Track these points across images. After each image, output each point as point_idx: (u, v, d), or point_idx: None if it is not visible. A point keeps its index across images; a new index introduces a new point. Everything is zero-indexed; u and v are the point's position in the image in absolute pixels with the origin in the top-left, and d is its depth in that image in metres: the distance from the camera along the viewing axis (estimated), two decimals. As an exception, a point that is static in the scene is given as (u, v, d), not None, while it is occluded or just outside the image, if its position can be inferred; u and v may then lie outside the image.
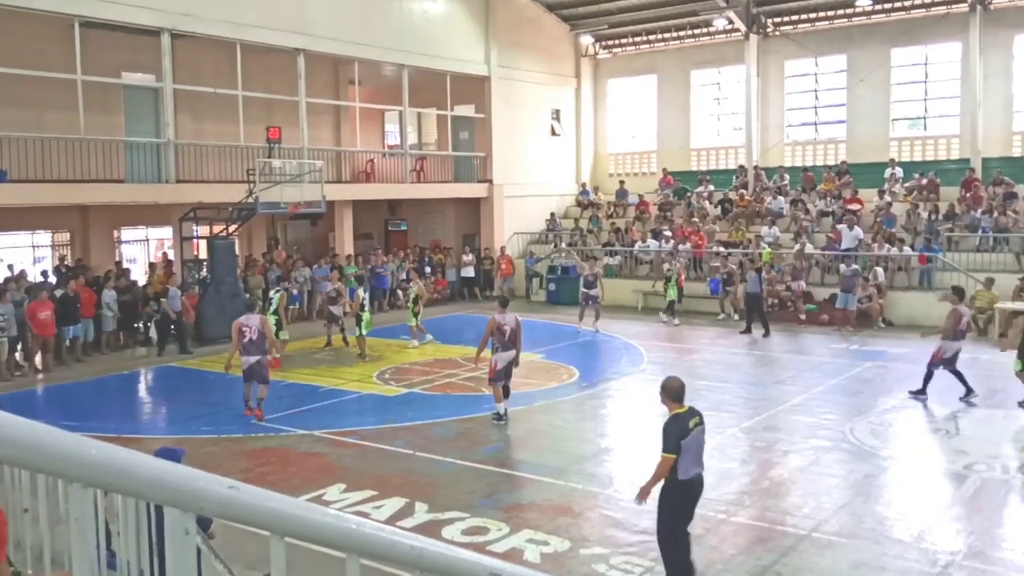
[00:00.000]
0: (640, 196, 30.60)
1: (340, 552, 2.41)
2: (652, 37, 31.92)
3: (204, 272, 21.69)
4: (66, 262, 21.90)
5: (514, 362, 13.33)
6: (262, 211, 21.02)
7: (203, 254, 22.44)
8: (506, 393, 13.42)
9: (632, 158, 33.62)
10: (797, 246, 24.19)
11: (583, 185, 32.76)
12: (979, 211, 23.81)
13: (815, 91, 29.81)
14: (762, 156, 29.84)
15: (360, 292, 19.09)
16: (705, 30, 30.89)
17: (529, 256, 28.55)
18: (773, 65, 29.76)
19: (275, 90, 23.71)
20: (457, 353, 18.92)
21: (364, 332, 18.68)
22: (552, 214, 30.85)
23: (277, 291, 19.44)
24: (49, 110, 19.90)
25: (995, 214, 23.38)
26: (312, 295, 24.29)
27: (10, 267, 20.20)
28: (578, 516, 9.41)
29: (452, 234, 30.39)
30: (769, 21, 29.48)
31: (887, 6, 27.46)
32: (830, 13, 28.45)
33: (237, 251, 22.76)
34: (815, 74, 29.62)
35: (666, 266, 23.32)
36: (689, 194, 29.62)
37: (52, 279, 20.23)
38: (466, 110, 29.08)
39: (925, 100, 28.07)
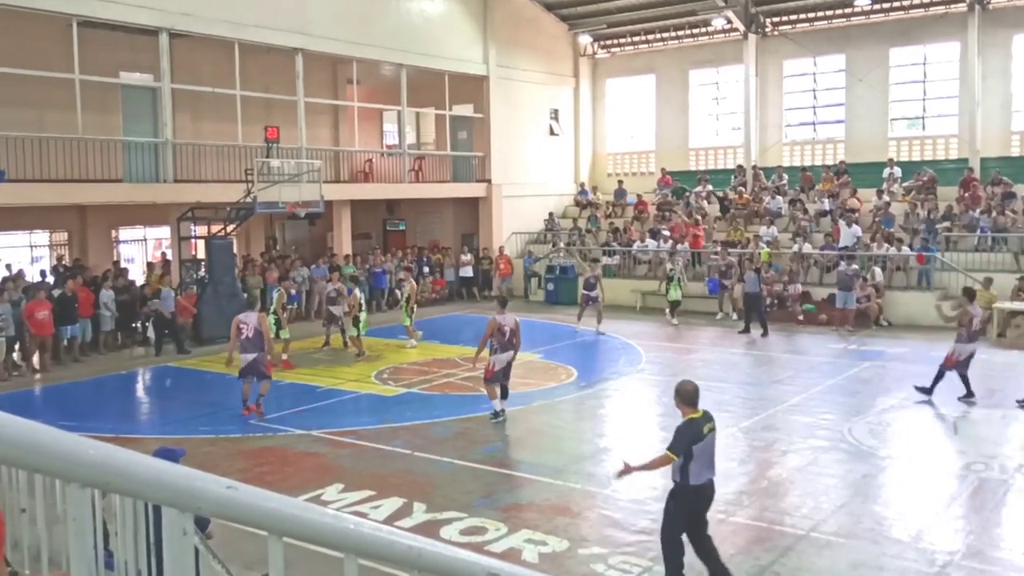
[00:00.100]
0: (638, 196, 30.60)
1: (338, 552, 2.41)
2: (651, 37, 31.93)
3: (202, 272, 21.67)
4: (64, 262, 21.87)
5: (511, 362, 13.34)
6: (260, 211, 21.01)
7: (201, 254, 22.43)
8: (504, 393, 13.41)
9: (630, 158, 33.62)
10: (795, 247, 24.21)
11: (581, 185, 32.76)
12: (978, 211, 23.82)
13: (814, 91, 29.84)
14: (760, 156, 29.85)
15: (357, 292, 19.08)
16: (703, 30, 30.89)
17: (528, 256, 28.55)
18: (772, 65, 29.77)
19: (273, 90, 23.69)
20: (455, 353, 18.91)
21: (362, 332, 18.70)
22: (551, 214, 30.85)
23: (276, 289, 19.44)
24: (47, 110, 19.89)
25: (994, 214, 23.40)
26: (310, 295, 24.28)
27: (8, 267, 20.17)
28: (576, 516, 9.41)
29: (450, 234, 30.39)
30: (768, 21, 29.49)
31: (885, 6, 27.48)
32: (829, 13, 28.46)
33: (235, 251, 22.76)
34: (814, 74, 29.64)
35: (668, 266, 23.30)
36: (687, 194, 29.62)
37: (50, 279, 20.22)
38: (464, 110, 29.08)
39: (924, 100, 28.09)
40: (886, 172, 26.83)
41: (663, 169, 31.16)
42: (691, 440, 7.11)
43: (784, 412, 13.67)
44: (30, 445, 1.93)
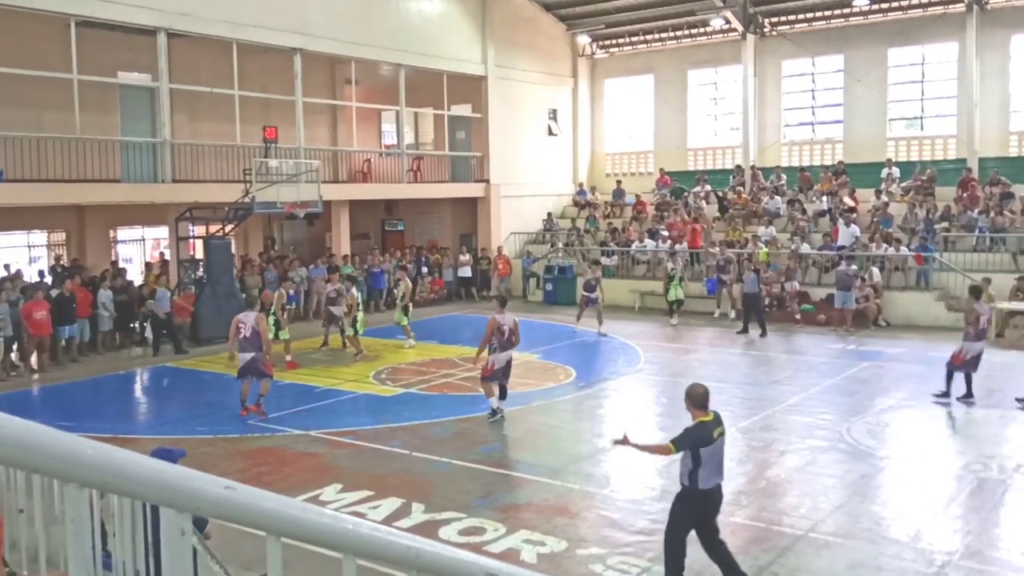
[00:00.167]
0: (637, 196, 30.61)
1: (336, 552, 2.41)
2: (649, 37, 31.94)
3: (200, 272, 21.65)
4: (62, 262, 21.85)
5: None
6: (258, 211, 21.00)
7: (199, 254, 22.41)
8: (503, 394, 13.41)
9: (629, 158, 33.63)
10: (793, 246, 24.24)
11: (580, 185, 32.77)
12: (976, 211, 23.83)
13: (812, 91, 29.86)
14: (759, 156, 29.86)
15: (354, 291, 19.08)
16: (702, 30, 30.91)
17: (526, 256, 28.55)
18: (770, 65, 29.78)
19: (272, 90, 23.69)
20: (454, 353, 18.91)
21: (360, 331, 18.71)
22: (549, 214, 30.85)
23: (276, 290, 19.43)
24: (45, 110, 19.87)
25: (992, 214, 23.41)
26: (309, 295, 24.27)
27: (6, 267, 20.16)
28: (575, 516, 9.41)
29: (449, 234, 30.38)
30: (766, 21, 29.50)
31: (884, 6, 27.49)
32: (827, 13, 28.48)
33: (233, 251, 22.75)
34: (812, 74, 29.66)
35: (670, 265, 23.31)
36: (686, 194, 29.62)
37: (48, 279, 20.20)
38: (463, 110, 29.09)
39: (922, 100, 28.12)
40: (884, 172, 26.84)
41: (661, 169, 31.17)
42: (698, 441, 7.06)
43: (782, 412, 13.67)
44: (28, 445, 1.93)
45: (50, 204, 20.08)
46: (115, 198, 20.52)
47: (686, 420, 7.47)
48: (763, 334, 20.60)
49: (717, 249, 24.38)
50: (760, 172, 29.24)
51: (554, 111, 32.19)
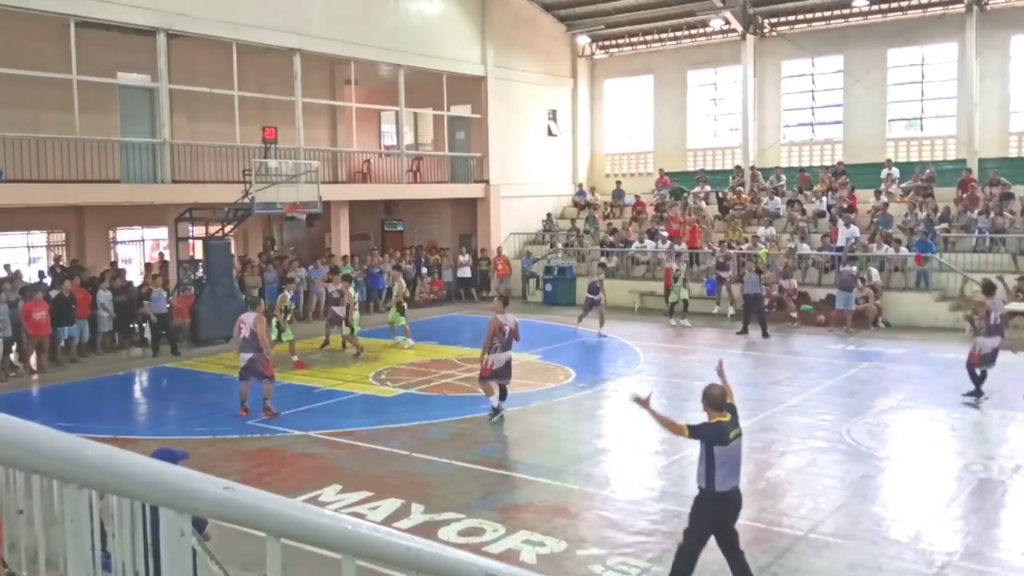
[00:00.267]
0: (636, 196, 30.61)
1: (336, 553, 2.40)
2: (649, 37, 31.94)
3: (200, 273, 21.64)
4: (61, 262, 21.85)
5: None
6: (258, 211, 20.99)
7: (199, 255, 22.40)
8: (503, 394, 13.40)
9: (629, 158, 33.63)
10: (790, 245, 24.23)
11: (580, 185, 32.77)
12: (976, 212, 23.83)
13: (812, 91, 29.86)
14: (759, 157, 29.86)
15: (351, 292, 19.06)
16: (702, 30, 30.91)
17: (526, 257, 28.55)
18: (770, 65, 29.79)
19: (271, 90, 23.69)
20: (453, 354, 18.91)
21: (356, 330, 18.71)
22: (549, 214, 30.85)
23: (277, 293, 19.47)
24: (44, 110, 19.87)
25: (991, 215, 23.41)
26: (308, 295, 24.25)
27: (6, 267, 20.14)
28: (575, 517, 9.40)
29: (448, 234, 30.38)
30: (766, 21, 29.50)
31: (884, 6, 27.50)
32: (827, 13, 28.48)
33: (233, 252, 22.74)
34: (812, 74, 29.67)
35: (674, 266, 23.32)
36: (685, 194, 29.62)
37: (47, 280, 20.19)
38: (462, 110, 29.09)
39: (922, 101, 28.12)
40: (884, 173, 26.85)
41: (661, 170, 31.18)
42: (712, 438, 6.99)
43: (782, 413, 13.67)
44: (28, 446, 1.92)
45: (49, 204, 20.08)
46: (114, 199, 20.52)
47: (686, 420, 7.46)
48: (764, 334, 20.58)
49: (717, 248, 24.38)
50: (760, 173, 29.25)
51: (554, 111, 32.19)
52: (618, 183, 31.88)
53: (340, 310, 19.15)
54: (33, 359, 18.00)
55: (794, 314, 22.29)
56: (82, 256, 22.28)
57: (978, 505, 9.71)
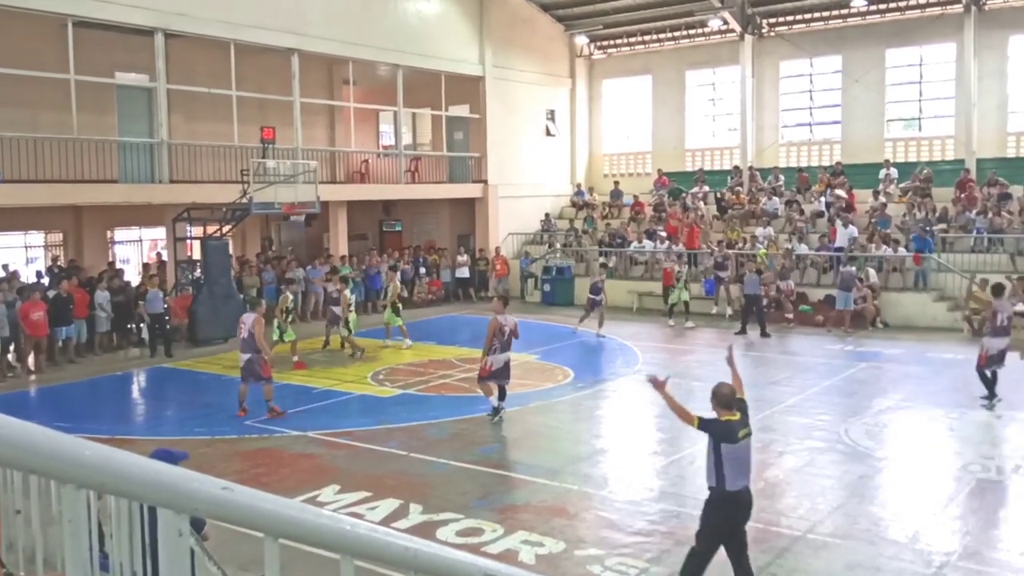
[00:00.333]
0: (635, 197, 30.62)
1: (335, 553, 2.40)
2: (647, 37, 31.94)
3: (198, 273, 21.63)
4: (59, 263, 21.84)
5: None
6: (256, 211, 20.97)
7: (197, 255, 22.39)
8: (502, 395, 13.39)
9: (627, 159, 33.63)
10: (788, 246, 24.22)
11: (578, 186, 32.77)
12: (974, 212, 23.85)
13: (810, 92, 29.87)
14: (757, 157, 29.87)
15: (347, 293, 19.03)
16: (700, 30, 30.92)
17: (524, 257, 28.54)
18: (768, 66, 29.80)
19: (269, 90, 23.67)
20: (451, 354, 18.91)
21: (353, 331, 18.72)
22: (547, 215, 30.85)
23: (274, 294, 19.47)
24: (42, 110, 19.86)
25: (990, 215, 23.42)
26: (307, 295, 24.25)
27: (4, 267, 20.14)
28: (573, 517, 9.40)
29: (447, 235, 30.37)
30: (764, 22, 29.51)
31: (882, 7, 27.52)
32: (825, 14, 28.49)
33: (231, 252, 22.73)
34: (810, 75, 29.68)
35: (676, 268, 23.32)
36: (684, 195, 29.63)
37: (45, 280, 20.17)
38: (461, 110, 29.09)
39: (920, 101, 28.12)
40: (882, 173, 26.86)
41: (659, 170, 31.18)
42: (720, 435, 6.94)
43: (781, 413, 13.67)
44: (26, 446, 1.92)
45: (47, 205, 20.06)
46: (112, 199, 20.50)
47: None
48: (764, 334, 20.57)
49: (716, 248, 24.38)
50: (758, 173, 29.25)
51: (552, 112, 32.18)
52: (616, 183, 31.88)
53: (339, 310, 19.15)
54: (31, 359, 17.99)
55: (790, 315, 22.29)
56: (80, 256, 22.26)
57: (976, 505, 9.72)
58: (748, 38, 29.35)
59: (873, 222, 24.58)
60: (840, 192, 26.24)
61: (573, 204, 32.11)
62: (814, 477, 10.65)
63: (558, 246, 28.70)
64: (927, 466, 11.19)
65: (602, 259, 26.24)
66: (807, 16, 28.92)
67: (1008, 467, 11.01)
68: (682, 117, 31.90)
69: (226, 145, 22.13)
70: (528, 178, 30.66)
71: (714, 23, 29.82)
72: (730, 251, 24.47)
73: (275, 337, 17.51)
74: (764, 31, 29.61)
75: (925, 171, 26.20)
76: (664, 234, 27.03)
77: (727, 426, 7.02)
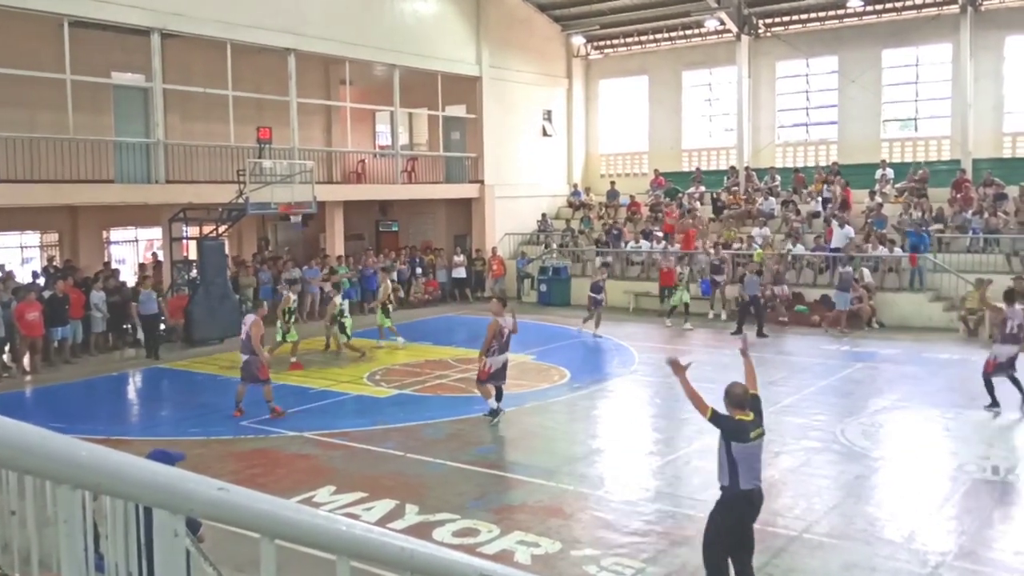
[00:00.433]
0: (631, 197, 30.63)
1: (331, 554, 2.40)
2: (644, 38, 31.96)
3: (194, 273, 21.60)
4: (55, 263, 21.81)
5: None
6: (252, 212, 20.96)
7: (193, 255, 22.36)
8: (499, 395, 13.39)
9: (623, 159, 33.64)
10: (782, 251, 24.16)
11: (574, 186, 32.77)
12: (970, 212, 23.89)
13: (806, 92, 29.91)
14: (753, 157, 29.89)
15: (337, 300, 18.98)
16: (696, 31, 30.94)
17: (521, 257, 28.54)
18: (764, 66, 29.83)
19: (265, 90, 23.66)
20: (448, 354, 18.90)
21: (350, 336, 18.73)
22: (543, 215, 30.85)
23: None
24: (38, 110, 19.83)
25: (985, 215, 23.46)
26: (303, 296, 24.20)
27: (0, 267, 20.10)
28: (569, 517, 9.40)
29: (443, 235, 30.36)
30: (760, 22, 29.54)
31: (878, 7, 27.55)
32: (821, 14, 28.53)
33: (227, 252, 22.70)
34: (806, 75, 29.71)
35: (679, 269, 23.31)
36: (680, 195, 29.65)
37: (40, 280, 20.13)
38: (457, 110, 29.08)
39: (916, 101, 28.16)
40: (878, 173, 26.90)
41: (656, 170, 31.20)
42: (731, 432, 6.90)
43: (777, 413, 13.65)
44: (21, 447, 1.92)
45: (43, 205, 20.00)
46: (108, 199, 20.47)
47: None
48: (761, 334, 20.54)
49: (712, 251, 24.38)
50: (754, 173, 29.27)
51: (548, 112, 32.19)
52: (612, 183, 31.88)
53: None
54: (26, 360, 17.95)
55: (784, 319, 22.30)
56: (75, 256, 22.22)
57: (972, 505, 9.73)
58: (744, 38, 29.38)
59: (869, 222, 24.61)
60: (836, 189, 26.28)
61: (570, 204, 32.11)
62: (810, 477, 10.66)
63: (554, 246, 28.70)
64: (923, 466, 11.20)
65: (606, 259, 26.20)
66: (803, 16, 28.95)
67: (1003, 467, 11.03)
68: (678, 117, 31.91)
69: (222, 145, 22.11)
70: (525, 178, 30.66)
71: (710, 23, 29.84)
72: (726, 252, 24.45)
73: (278, 338, 17.56)
74: (760, 31, 29.64)
75: (921, 171, 26.25)
76: (660, 234, 27.04)
77: (739, 424, 6.97)
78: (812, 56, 29.03)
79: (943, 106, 27.29)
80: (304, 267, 24.69)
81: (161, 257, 23.19)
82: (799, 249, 24.42)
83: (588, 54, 33.41)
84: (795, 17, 29.12)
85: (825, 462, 11.27)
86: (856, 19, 28.26)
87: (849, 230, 23.88)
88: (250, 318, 13.89)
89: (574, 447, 12.39)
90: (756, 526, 8.49)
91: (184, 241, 22.69)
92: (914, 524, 9.12)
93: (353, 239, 28.36)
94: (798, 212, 26.47)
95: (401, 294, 25.87)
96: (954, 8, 26.18)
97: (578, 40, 32.64)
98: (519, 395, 14.71)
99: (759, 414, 7.15)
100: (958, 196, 24.73)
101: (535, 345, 19.48)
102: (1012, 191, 24.26)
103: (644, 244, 27.12)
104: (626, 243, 27.67)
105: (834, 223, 24.31)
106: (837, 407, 14.14)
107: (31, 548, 4.67)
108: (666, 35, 31.45)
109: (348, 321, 18.86)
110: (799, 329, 21.81)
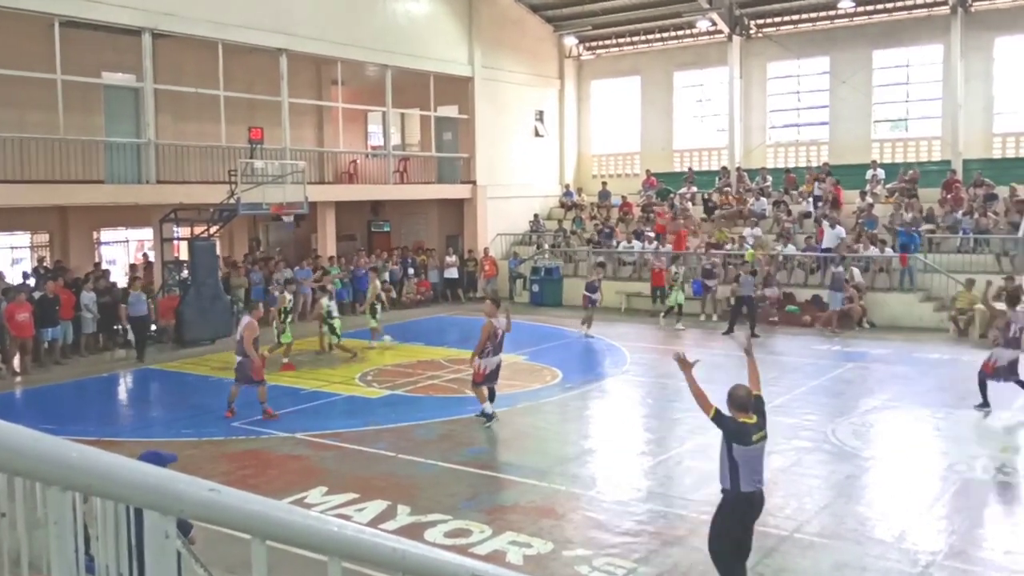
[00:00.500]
0: (623, 197, 30.67)
1: (322, 555, 2.39)
2: (635, 38, 32.01)
3: (185, 274, 21.55)
4: (45, 263, 21.72)
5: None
6: (244, 212, 20.91)
7: (184, 255, 22.31)
8: (491, 396, 13.39)
9: (615, 159, 33.68)
10: (772, 252, 24.21)
11: (566, 186, 32.80)
12: (960, 212, 23.97)
13: (797, 93, 29.98)
14: (744, 158, 29.97)
15: (324, 301, 18.96)
16: (688, 32, 30.99)
17: (513, 257, 28.55)
18: (756, 67, 29.90)
19: (257, 90, 23.62)
20: (440, 355, 18.89)
21: (340, 337, 18.74)
22: (535, 215, 30.86)
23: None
24: (29, 110, 19.75)
25: (976, 215, 23.55)
26: (295, 297, 24.14)
27: (-11, 268, 20.04)
28: (561, 518, 9.40)
29: (435, 235, 30.35)
30: (752, 23, 29.61)
31: (869, 8, 27.64)
32: (812, 15, 28.61)
33: (218, 252, 22.65)
34: (797, 76, 29.79)
35: (673, 269, 23.34)
36: (672, 195, 29.69)
37: (31, 281, 20.06)
38: (449, 111, 29.07)
39: (907, 102, 28.28)
40: (869, 174, 26.98)
41: (648, 171, 31.24)
42: (732, 434, 6.89)
43: (768, 413, 13.59)
44: (11, 448, 1.91)
45: (33, 205, 19.94)
46: (99, 199, 20.40)
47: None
48: (752, 335, 20.55)
49: (704, 255, 24.38)
50: (746, 173, 29.34)
51: (541, 112, 32.21)
52: (604, 184, 31.91)
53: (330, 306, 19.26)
54: (16, 361, 17.87)
55: (774, 319, 22.35)
56: (66, 257, 22.15)
57: (962, 504, 9.77)
58: (736, 39, 29.45)
59: (860, 222, 24.68)
60: (827, 186, 26.36)
61: (562, 205, 32.14)
62: (801, 477, 10.68)
63: (546, 247, 28.72)
64: (913, 466, 11.24)
65: (601, 259, 26.19)
66: (795, 17, 29.03)
67: (993, 466, 11.07)
68: (670, 118, 31.96)
69: (214, 145, 22.06)
70: (517, 179, 30.66)
71: (702, 24, 29.88)
72: (717, 252, 24.47)
73: (280, 339, 17.69)
74: (752, 32, 29.71)
75: (911, 172, 26.34)
76: (652, 235, 27.07)
77: (741, 427, 6.96)
78: (803, 57, 29.10)
79: (933, 107, 27.41)
80: (296, 268, 24.65)
81: (152, 258, 23.11)
82: (790, 249, 24.48)
83: (580, 55, 33.43)
84: (786, 18, 29.19)
85: (816, 462, 11.30)
86: (847, 20, 28.35)
87: (840, 230, 23.94)
88: (244, 320, 13.88)
89: (566, 447, 12.40)
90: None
91: (175, 242, 22.67)
92: (904, 524, 9.15)
93: (345, 240, 28.33)
94: (789, 212, 26.54)
95: (393, 294, 25.87)
96: (944, 9, 26.28)
97: (570, 41, 32.66)
98: (511, 395, 14.71)
99: (762, 416, 7.15)
100: (948, 196, 24.83)
101: (527, 345, 19.47)
102: (1002, 191, 24.37)
103: (636, 244, 27.13)
104: (618, 243, 27.68)
105: (825, 223, 24.37)
106: (828, 407, 14.17)
107: (21, 550, 4.65)
108: (658, 36, 31.49)
109: (337, 322, 18.84)
110: (790, 329, 21.86)
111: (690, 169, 30.73)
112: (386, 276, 25.93)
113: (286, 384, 16.19)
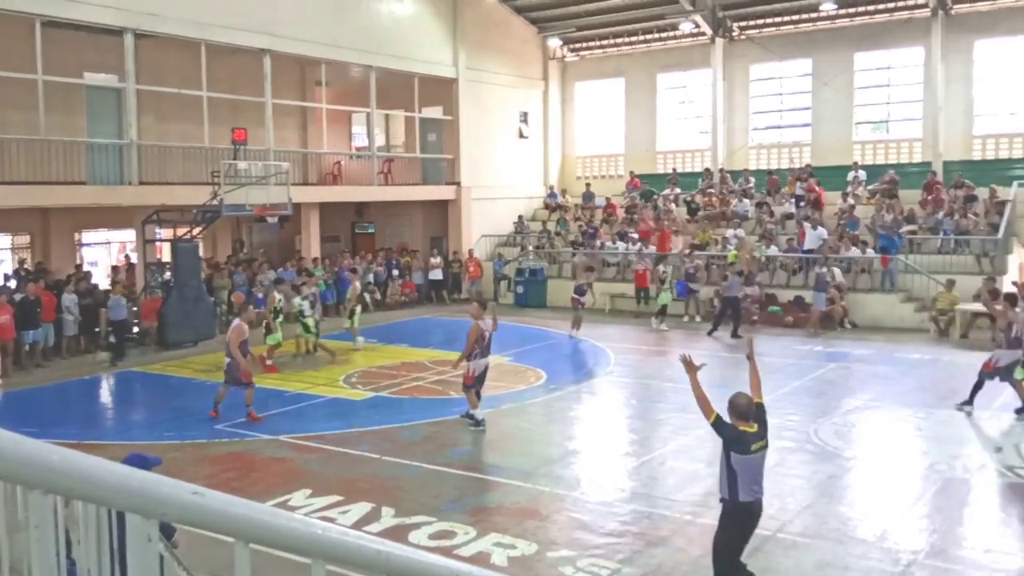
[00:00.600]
0: (607, 199, 30.73)
1: (306, 558, 2.40)
2: (619, 40, 32.08)
3: (167, 275, 21.43)
4: (26, 265, 21.56)
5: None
6: (227, 213, 20.82)
7: (167, 257, 22.19)
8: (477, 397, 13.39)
9: (599, 161, 33.74)
10: (755, 253, 24.26)
11: (551, 188, 32.83)
12: (940, 214, 24.15)
13: (780, 95, 30.13)
14: (727, 159, 30.08)
15: (297, 301, 18.92)
16: (672, 34, 31.07)
17: (497, 259, 28.55)
18: (739, 69, 30.02)
19: (240, 91, 23.52)
20: (424, 356, 18.87)
21: (317, 336, 18.73)
22: (520, 216, 30.88)
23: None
24: (9, 110, 19.59)
25: (956, 216, 23.72)
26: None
27: (-31, 270, 19.88)
28: (545, 519, 9.42)
29: (420, 237, 30.31)
30: (735, 25, 29.73)
31: (851, 11, 27.80)
32: (795, 17, 28.76)
33: (201, 254, 22.55)
34: (780, 78, 29.94)
35: (661, 268, 23.38)
36: (656, 197, 29.78)
37: (11, 283, 19.91)
38: (434, 112, 29.05)
39: (888, 104, 28.46)
40: (851, 175, 27.14)
41: (631, 172, 31.31)
42: (732, 442, 6.87)
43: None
44: (-9, 452, 1.90)
45: (14, 207, 19.76)
46: (80, 200, 20.26)
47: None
48: (735, 335, 20.63)
49: (687, 257, 24.42)
50: (729, 175, 29.45)
51: (525, 114, 32.23)
52: (588, 185, 31.96)
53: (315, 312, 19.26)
54: (-3, 363, 17.74)
55: (755, 318, 22.45)
56: (47, 259, 22.00)
57: (943, 504, 9.84)
58: (719, 41, 29.57)
59: (842, 224, 24.82)
60: (809, 184, 26.51)
61: (546, 206, 32.15)
62: (784, 477, 10.72)
63: (531, 248, 28.73)
64: (895, 465, 11.31)
65: (589, 260, 26.20)
66: (777, 20, 29.17)
67: (974, 466, 11.16)
68: (654, 120, 32.05)
69: (197, 146, 21.96)
70: (501, 180, 30.68)
71: (685, 26, 29.98)
72: (701, 254, 24.53)
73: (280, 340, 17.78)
74: (734, 34, 29.83)
75: (889, 174, 26.50)
76: (636, 236, 27.13)
77: (741, 435, 6.92)
78: (785, 59, 29.24)
79: (914, 109, 27.59)
80: (279, 269, 24.55)
81: (135, 259, 22.97)
82: (772, 250, 24.58)
83: (564, 56, 33.48)
84: (769, 20, 29.33)
85: (798, 462, 11.35)
86: (829, 22, 28.51)
87: (822, 231, 24.07)
88: (234, 323, 13.86)
89: (550, 449, 12.41)
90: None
91: (158, 243, 22.53)
92: (886, 523, 9.21)
93: (329, 241, 28.26)
94: (772, 214, 26.66)
95: (378, 296, 25.83)
96: (925, 12, 26.47)
97: (554, 42, 32.70)
98: (496, 396, 14.70)
99: (764, 424, 7.15)
100: (929, 198, 25.01)
101: (512, 347, 19.47)
102: (982, 193, 24.56)
103: (620, 245, 27.19)
104: (601, 244, 27.73)
105: (806, 225, 24.49)
106: (810, 407, 14.24)
107: (2, 554, 4.62)
108: (641, 38, 31.57)
109: (310, 321, 18.81)
110: (772, 330, 21.92)
111: (674, 170, 30.83)
112: (370, 278, 25.90)
113: (270, 386, 16.13)
